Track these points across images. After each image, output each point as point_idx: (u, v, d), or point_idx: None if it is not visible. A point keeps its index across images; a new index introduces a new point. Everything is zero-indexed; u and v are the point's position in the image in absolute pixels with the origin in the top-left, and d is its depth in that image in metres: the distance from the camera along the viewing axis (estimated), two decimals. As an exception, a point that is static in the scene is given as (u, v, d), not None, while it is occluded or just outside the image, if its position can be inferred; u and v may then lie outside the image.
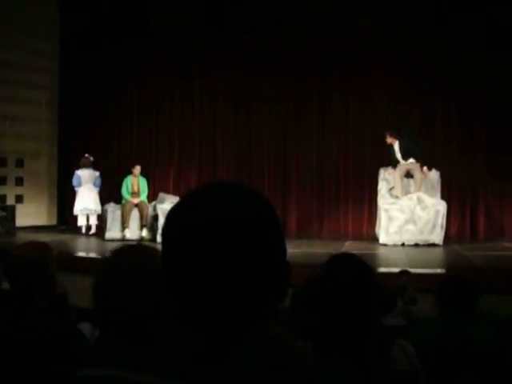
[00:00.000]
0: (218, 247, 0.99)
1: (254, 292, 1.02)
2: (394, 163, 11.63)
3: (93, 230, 12.58)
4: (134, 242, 11.39)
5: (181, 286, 1.02)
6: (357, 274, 2.03)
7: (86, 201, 12.53)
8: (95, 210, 12.59)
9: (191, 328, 1.05)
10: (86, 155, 12.84)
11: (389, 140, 11.56)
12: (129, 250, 1.80)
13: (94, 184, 12.71)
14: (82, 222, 12.65)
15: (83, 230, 12.58)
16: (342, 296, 2.00)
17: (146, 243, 11.15)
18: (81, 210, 12.56)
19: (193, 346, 1.04)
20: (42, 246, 2.79)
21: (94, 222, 12.67)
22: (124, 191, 12.12)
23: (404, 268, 6.09)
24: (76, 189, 12.66)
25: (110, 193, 13.26)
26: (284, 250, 1.08)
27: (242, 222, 1.01)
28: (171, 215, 1.06)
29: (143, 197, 12.15)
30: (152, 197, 12.66)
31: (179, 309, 1.04)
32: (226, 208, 1.02)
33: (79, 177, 12.64)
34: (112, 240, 11.50)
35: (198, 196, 1.06)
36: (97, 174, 12.83)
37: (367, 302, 2.00)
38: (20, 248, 2.70)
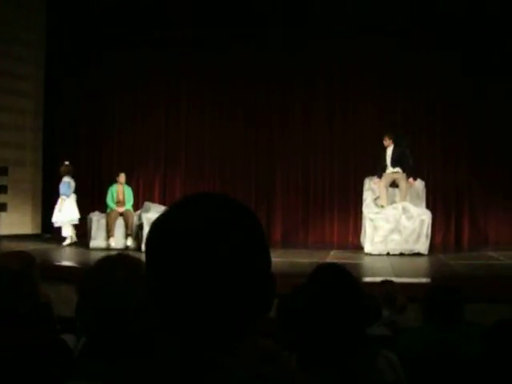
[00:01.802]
0: (201, 258, 0.99)
1: (237, 303, 1.02)
2: (380, 169, 11.66)
3: (75, 239, 12.38)
4: (119, 251, 11.35)
5: (164, 296, 1.02)
6: (342, 284, 2.03)
7: (74, 210, 12.32)
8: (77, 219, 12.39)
9: (176, 339, 1.04)
10: (67, 163, 12.47)
11: (386, 143, 11.62)
12: (112, 260, 1.78)
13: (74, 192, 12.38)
14: (68, 232, 12.38)
15: (70, 241, 12.32)
16: (327, 306, 2.00)
17: (131, 252, 11.14)
18: (69, 221, 12.30)
19: (177, 358, 1.03)
20: (25, 256, 2.76)
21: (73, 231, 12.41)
22: (109, 200, 12.05)
23: (387, 278, 6.09)
24: (64, 197, 12.38)
25: (95, 201, 13.21)
26: (268, 262, 1.08)
27: (225, 234, 1.01)
28: (155, 225, 1.06)
29: (128, 205, 12.08)
30: (137, 206, 12.61)
31: (163, 319, 1.04)
32: (209, 219, 1.02)
33: (68, 183, 12.39)
34: (96, 249, 11.44)
35: (182, 207, 1.07)
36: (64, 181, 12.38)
37: (352, 311, 2.00)
38: (2, 258, 2.67)
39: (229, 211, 1.05)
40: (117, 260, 1.80)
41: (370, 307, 3.88)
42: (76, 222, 12.30)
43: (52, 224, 12.51)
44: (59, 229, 12.45)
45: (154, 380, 1.07)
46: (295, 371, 1.12)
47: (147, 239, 1.06)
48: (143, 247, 11.14)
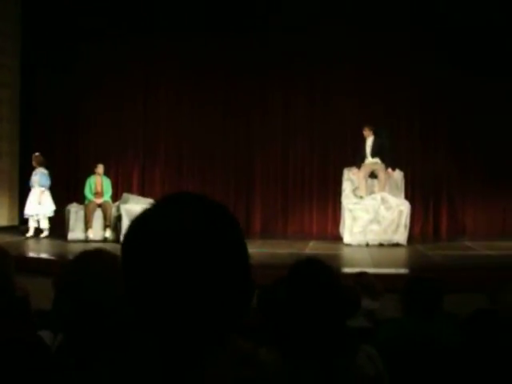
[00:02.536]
0: (177, 258, 0.99)
1: (215, 304, 1.02)
2: (360, 159, 11.71)
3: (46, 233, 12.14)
4: (98, 243, 11.28)
5: (140, 294, 1.02)
6: (320, 279, 2.03)
7: (51, 202, 12.21)
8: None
9: (154, 337, 1.03)
10: (37, 154, 12.22)
11: (365, 133, 11.68)
12: (90, 255, 1.76)
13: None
14: (46, 224, 12.22)
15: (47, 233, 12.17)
16: (306, 299, 1.99)
17: (110, 244, 11.08)
18: (49, 213, 12.17)
19: (154, 358, 1.02)
20: (-2, 248, 2.71)
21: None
22: (87, 191, 11.96)
23: (364, 269, 6.12)
24: (43, 189, 12.09)
25: (72, 192, 13.10)
26: (246, 263, 1.07)
27: (202, 234, 1.01)
28: (133, 225, 1.07)
29: (107, 197, 12.00)
30: (116, 197, 12.53)
31: (140, 317, 1.04)
32: (186, 220, 1.02)
33: (47, 174, 12.18)
34: (75, 241, 11.37)
35: (161, 207, 1.07)
36: (42, 172, 12.18)
37: (331, 305, 2.00)
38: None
39: (206, 212, 1.05)
40: (94, 254, 1.78)
41: (349, 299, 3.89)
42: (52, 214, 12.22)
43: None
44: (27, 220, 12.22)
45: (133, 377, 1.05)
46: (274, 374, 1.11)
47: (125, 238, 1.06)
48: (121, 239, 11.07)
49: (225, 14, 13.39)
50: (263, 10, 13.25)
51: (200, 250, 1.00)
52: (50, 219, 12.19)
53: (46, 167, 12.24)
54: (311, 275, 2.03)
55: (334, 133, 13.27)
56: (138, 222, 1.06)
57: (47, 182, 12.13)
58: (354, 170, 11.84)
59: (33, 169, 12.31)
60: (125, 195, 12.23)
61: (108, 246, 10.96)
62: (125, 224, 11.22)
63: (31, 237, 11.94)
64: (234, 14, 13.38)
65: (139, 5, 13.59)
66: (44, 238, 11.97)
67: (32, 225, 12.08)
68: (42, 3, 13.82)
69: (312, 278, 2.02)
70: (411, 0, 12.85)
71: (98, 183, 12.05)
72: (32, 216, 12.08)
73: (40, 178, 12.10)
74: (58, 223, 12.09)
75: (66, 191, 13.26)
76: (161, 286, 1.00)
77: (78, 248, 10.76)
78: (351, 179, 11.93)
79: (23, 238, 11.90)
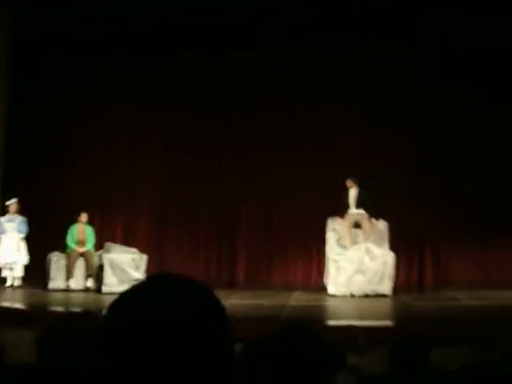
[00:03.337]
0: (156, 345, 0.99)
1: None
2: (343, 209, 11.73)
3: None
4: (79, 293, 11.13)
5: (118, 375, 1.01)
6: (305, 346, 1.99)
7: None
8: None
9: None
10: (15, 200, 12.04)
11: (349, 184, 11.78)
12: (76, 320, 1.72)
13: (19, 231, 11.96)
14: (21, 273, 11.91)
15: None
16: (290, 364, 1.95)
17: (92, 294, 10.94)
18: (22, 262, 11.94)
19: None
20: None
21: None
22: (69, 240, 11.83)
23: (350, 322, 6.06)
24: (22, 236, 11.90)
25: (53, 240, 12.92)
26: (230, 348, 1.07)
27: (183, 319, 1.01)
28: (112, 310, 1.07)
29: (89, 246, 11.88)
30: (99, 246, 12.38)
31: None
32: (166, 306, 1.02)
33: (26, 221, 12.01)
34: (56, 290, 11.20)
35: (141, 291, 1.07)
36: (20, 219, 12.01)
37: (315, 370, 1.96)
38: None
39: (187, 295, 1.06)
40: (81, 318, 1.75)
41: (334, 357, 3.81)
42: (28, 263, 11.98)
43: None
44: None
45: None
46: None
47: (105, 320, 1.06)
48: (103, 288, 10.97)
49: (213, 54, 13.53)
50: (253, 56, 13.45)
51: (180, 337, 1.00)
52: (27, 268, 11.95)
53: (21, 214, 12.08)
54: (296, 342, 2.00)
55: (319, 182, 13.28)
56: (118, 306, 1.07)
57: (27, 229, 11.97)
58: (338, 219, 11.84)
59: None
60: (107, 244, 12.11)
61: (90, 296, 10.83)
62: (107, 273, 11.11)
63: (10, 286, 11.69)
64: (224, 55, 13.55)
65: (125, 50, 13.69)
66: (18, 287, 11.69)
67: (9, 274, 11.83)
68: (30, 49, 13.86)
69: (297, 345, 1.98)
70: (406, 55, 13.10)
71: (81, 232, 11.94)
72: (10, 264, 11.81)
73: (19, 225, 11.93)
74: (35, 272, 11.86)
75: (47, 239, 13.02)
76: (140, 368, 0.99)
77: (60, 298, 10.63)
78: (335, 229, 11.92)
79: (2, 287, 11.63)
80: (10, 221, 11.95)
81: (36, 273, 11.98)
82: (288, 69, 13.45)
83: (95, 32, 13.48)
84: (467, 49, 12.93)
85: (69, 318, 1.76)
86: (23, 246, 11.90)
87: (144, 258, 11.61)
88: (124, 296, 1.07)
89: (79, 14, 13.19)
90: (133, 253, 11.67)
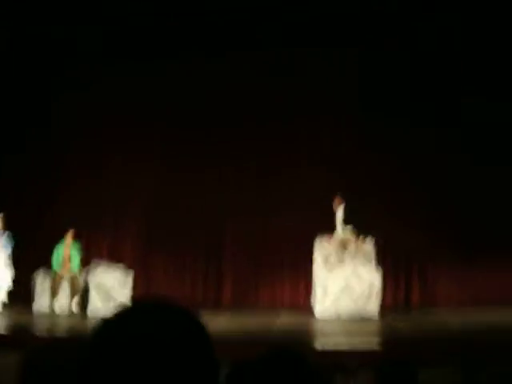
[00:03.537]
0: (141, 369, 0.99)
1: None
2: (331, 228, 11.76)
3: None
4: (63, 315, 10.99)
5: None
6: (293, 373, 1.96)
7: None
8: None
9: None
10: (2, 215, 11.83)
11: (337, 201, 11.88)
12: (62, 346, 1.70)
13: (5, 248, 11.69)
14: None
15: None
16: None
17: (76, 316, 10.82)
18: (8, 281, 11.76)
19: None
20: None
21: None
22: (54, 262, 11.67)
23: (335, 346, 6.02)
24: (9, 253, 11.66)
25: (40, 255, 12.75)
26: (214, 373, 1.06)
27: (167, 345, 1.01)
28: (98, 332, 1.06)
29: (74, 268, 11.70)
30: (85, 262, 12.19)
31: None
32: (150, 331, 1.02)
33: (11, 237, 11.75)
34: (40, 312, 11.07)
35: (126, 316, 1.07)
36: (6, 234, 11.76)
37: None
38: None
39: (171, 320, 1.05)
40: (67, 344, 1.72)
41: (321, 381, 3.78)
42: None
43: None
44: None
45: None
46: None
47: (90, 344, 1.05)
48: (89, 312, 10.85)
49: (203, 78, 13.61)
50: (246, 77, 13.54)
51: (164, 362, 1.00)
52: (12, 282, 11.71)
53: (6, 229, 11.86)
54: (283, 371, 1.97)
55: (306, 202, 13.27)
56: (103, 330, 1.06)
57: (12, 244, 11.74)
58: (326, 239, 11.82)
59: None
60: (93, 263, 11.98)
61: (74, 319, 10.70)
62: (92, 296, 11.01)
63: None
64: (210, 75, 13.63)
65: (117, 61, 13.77)
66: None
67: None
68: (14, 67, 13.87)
69: (283, 374, 1.96)
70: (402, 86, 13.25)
71: (66, 254, 11.78)
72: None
73: (7, 241, 11.71)
74: (21, 288, 11.61)
75: (34, 254, 12.80)
76: None
77: (44, 322, 10.48)
78: (322, 249, 11.89)
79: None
80: None
81: (21, 289, 11.74)
82: (279, 85, 13.55)
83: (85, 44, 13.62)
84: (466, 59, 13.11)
85: (54, 342, 1.73)
86: (9, 264, 11.62)
87: (130, 275, 11.52)
88: (109, 320, 1.06)
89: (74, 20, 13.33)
90: (119, 269, 11.56)
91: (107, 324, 1.06)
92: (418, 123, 13.07)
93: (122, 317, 1.06)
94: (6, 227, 11.83)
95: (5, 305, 11.58)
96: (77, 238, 12.22)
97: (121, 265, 11.83)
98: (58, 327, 9.90)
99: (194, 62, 13.70)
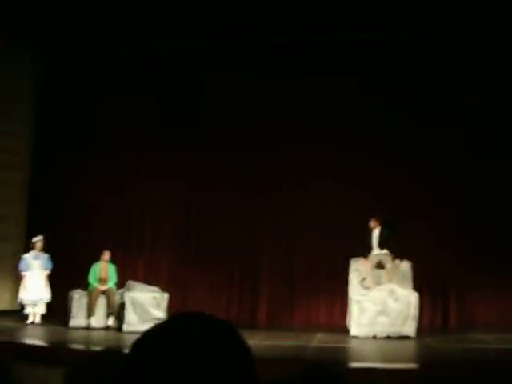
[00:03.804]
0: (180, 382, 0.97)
1: None
2: (367, 250, 11.67)
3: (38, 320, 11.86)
4: (100, 331, 11.09)
5: None
6: None
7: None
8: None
9: None
10: (42, 237, 12.22)
11: (372, 224, 11.74)
12: (98, 361, 1.73)
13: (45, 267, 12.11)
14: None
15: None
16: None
17: (112, 332, 10.90)
18: (47, 299, 12.03)
19: None
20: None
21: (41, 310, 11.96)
22: (91, 278, 11.85)
23: (371, 365, 5.96)
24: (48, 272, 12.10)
25: (75, 278, 12.97)
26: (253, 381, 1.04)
27: (207, 359, 0.99)
28: (136, 346, 1.05)
29: (111, 284, 11.88)
30: (121, 284, 12.37)
31: None
32: (190, 345, 1.00)
33: (50, 258, 12.15)
34: (77, 328, 11.18)
35: (165, 329, 1.05)
36: (45, 256, 12.22)
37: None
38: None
39: (212, 335, 1.03)
40: (103, 359, 1.75)
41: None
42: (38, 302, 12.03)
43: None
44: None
45: None
46: None
47: (128, 359, 1.04)
48: (124, 327, 10.91)
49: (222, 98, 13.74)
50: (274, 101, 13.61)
51: (204, 377, 0.97)
52: (48, 305, 12.03)
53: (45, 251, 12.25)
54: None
55: (342, 223, 13.23)
56: (142, 344, 1.05)
57: (52, 266, 12.12)
58: (361, 260, 11.75)
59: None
60: (129, 282, 12.09)
61: (110, 335, 10.78)
62: (128, 312, 11.07)
63: (31, 323, 11.71)
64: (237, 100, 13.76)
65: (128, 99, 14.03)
66: (39, 324, 11.70)
67: (31, 311, 11.86)
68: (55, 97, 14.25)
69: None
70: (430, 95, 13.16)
71: (103, 270, 11.97)
72: (35, 301, 11.87)
73: (46, 262, 12.07)
74: (57, 309, 11.92)
75: (69, 277, 13.09)
76: None
77: (81, 336, 10.59)
78: (358, 270, 11.81)
79: (23, 324, 11.65)
80: (35, 258, 12.07)
81: (57, 310, 12.04)
82: (310, 109, 13.61)
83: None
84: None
85: (95, 357, 1.76)
86: (48, 284, 12.01)
87: (165, 296, 11.56)
88: (147, 334, 1.05)
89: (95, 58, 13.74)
90: (154, 291, 11.63)
91: (146, 338, 1.05)
92: (461, 151, 12.99)
93: (161, 331, 1.05)
94: (46, 249, 12.14)
95: (43, 317, 11.86)
96: (112, 259, 12.39)
97: (156, 287, 11.90)
98: (95, 342, 9.97)
99: (220, 81, 13.86)
